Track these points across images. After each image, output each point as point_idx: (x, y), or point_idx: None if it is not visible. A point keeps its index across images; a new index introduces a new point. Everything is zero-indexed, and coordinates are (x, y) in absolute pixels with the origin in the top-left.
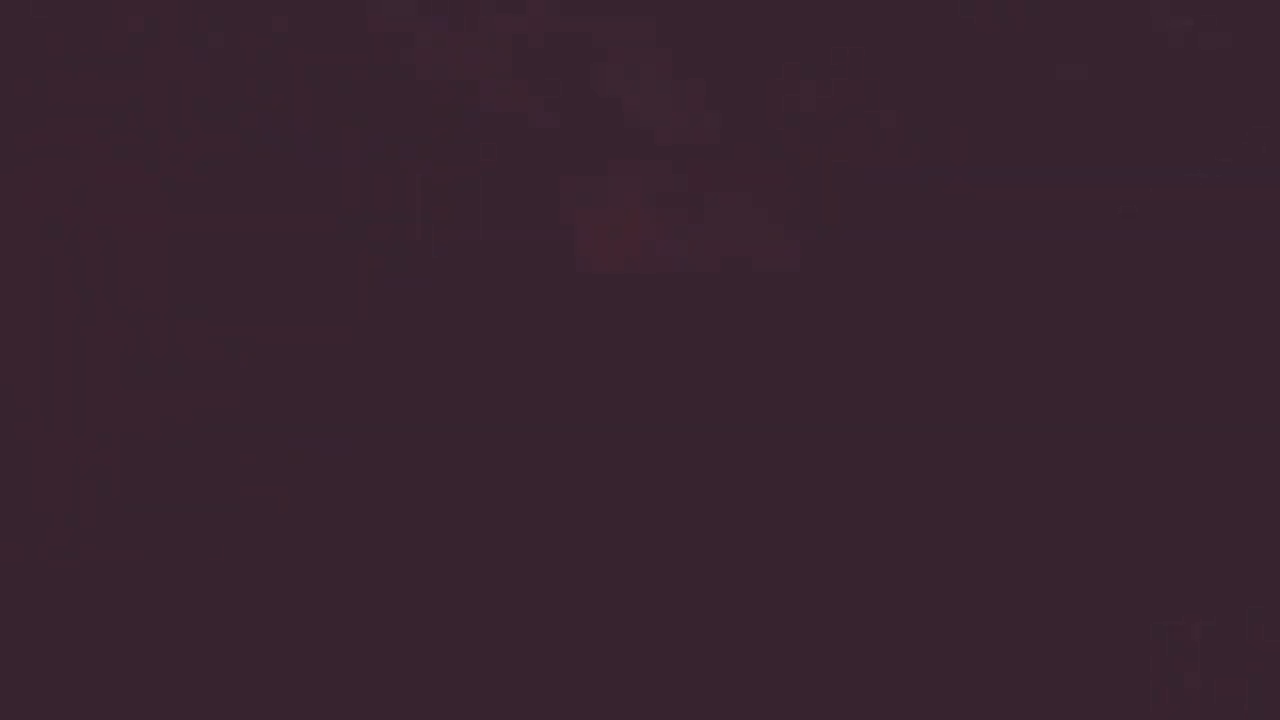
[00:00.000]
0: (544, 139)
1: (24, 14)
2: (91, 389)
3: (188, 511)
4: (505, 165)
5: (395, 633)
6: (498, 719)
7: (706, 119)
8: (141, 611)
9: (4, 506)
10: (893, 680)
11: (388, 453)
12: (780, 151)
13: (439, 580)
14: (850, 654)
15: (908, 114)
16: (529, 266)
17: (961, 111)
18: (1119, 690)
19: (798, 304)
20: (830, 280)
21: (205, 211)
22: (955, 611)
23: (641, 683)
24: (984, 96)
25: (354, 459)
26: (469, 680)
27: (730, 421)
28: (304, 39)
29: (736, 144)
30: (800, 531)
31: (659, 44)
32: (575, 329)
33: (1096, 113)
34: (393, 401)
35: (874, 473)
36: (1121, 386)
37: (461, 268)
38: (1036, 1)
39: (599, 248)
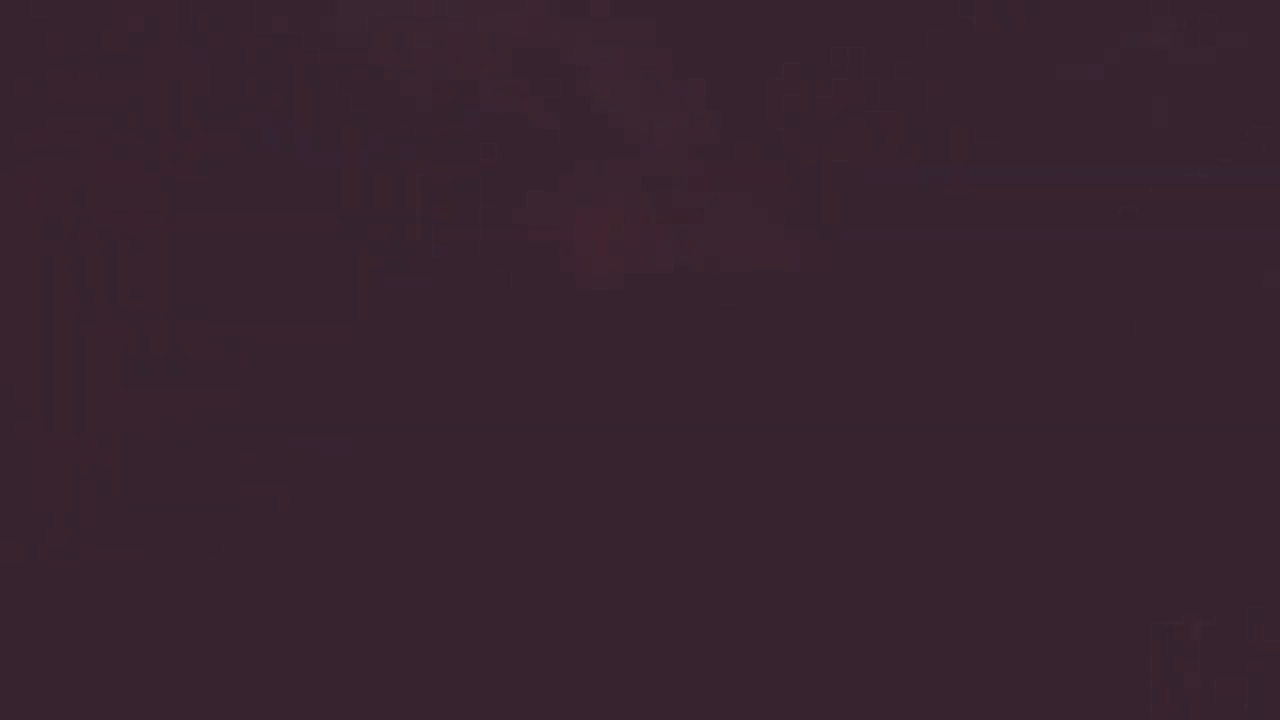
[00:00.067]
0: (543, 139)
1: (24, 14)
2: (91, 389)
3: (188, 511)
4: (504, 165)
5: (395, 632)
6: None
7: (706, 119)
8: (141, 611)
9: (4, 506)
10: (893, 680)
11: (388, 453)
12: (780, 151)
13: (439, 581)
14: (850, 655)
15: (908, 114)
16: (527, 268)
17: (961, 111)
18: (1119, 690)
19: (798, 304)
20: (830, 280)
21: (205, 211)
22: (955, 611)
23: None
24: (984, 96)
25: (354, 459)
26: (465, 681)
27: (731, 422)
28: (304, 39)
29: (736, 144)
30: (803, 533)
31: (659, 44)
32: (575, 330)
33: (1096, 113)
34: (392, 402)
35: (875, 473)
36: (1121, 387)
37: (461, 268)
38: (1037, 1)
39: (598, 249)
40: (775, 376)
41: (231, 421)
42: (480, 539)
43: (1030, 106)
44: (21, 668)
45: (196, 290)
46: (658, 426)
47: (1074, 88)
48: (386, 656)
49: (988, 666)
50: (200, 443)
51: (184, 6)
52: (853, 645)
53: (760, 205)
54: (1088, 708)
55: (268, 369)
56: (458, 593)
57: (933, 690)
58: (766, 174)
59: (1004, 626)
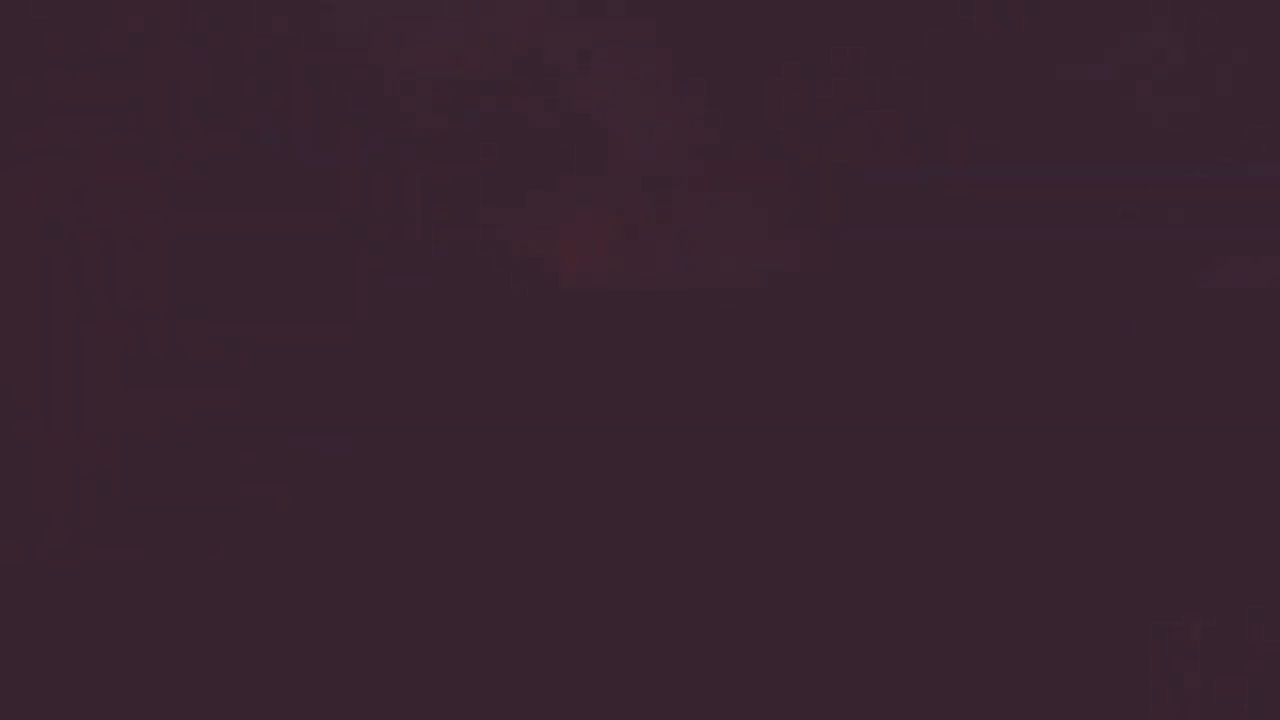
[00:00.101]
0: (543, 139)
1: (24, 14)
2: (91, 389)
3: (188, 511)
4: (505, 165)
5: (394, 632)
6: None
7: (706, 119)
8: (141, 611)
9: (4, 506)
10: (893, 680)
11: (387, 453)
12: (780, 151)
13: (439, 581)
14: (850, 655)
15: (908, 114)
16: (526, 270)
17: (961, 111)
18: (1119, 690)
19: (797, 304)
20: (830, 281)
21: (205, 211)
22: (955, 612)
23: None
24: (984, 96)
25: (354, 459)
26: (458, 681)
27: (733, 422)
28: (304, 39)
29: (736, 144)
30: (804, 530)
31: (659, 44)
32: (575, 332)
33: (1096, 113)
34: (390, 402)
35: (877, 472)
36: (1121, 387)
37: (456, 270)
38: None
39: (597, 250)
40: (775, 376)
41: (231, 421)
42: (482, 539)
43: (1030, 106)
44: (21, 667)
45: (196, 290)
46: (659, 427)
47: (1074, 88)
48: (385, 655)
49: (988, 666)
50: (200, 443)
51: (184, 6)
52: (852, 646)
53: (760, 205)
54: (1088, 708)
55: (267, 369)
56: (458, 593)
57: (933, 690)
58: (766, 174)
59: (1004, 626)
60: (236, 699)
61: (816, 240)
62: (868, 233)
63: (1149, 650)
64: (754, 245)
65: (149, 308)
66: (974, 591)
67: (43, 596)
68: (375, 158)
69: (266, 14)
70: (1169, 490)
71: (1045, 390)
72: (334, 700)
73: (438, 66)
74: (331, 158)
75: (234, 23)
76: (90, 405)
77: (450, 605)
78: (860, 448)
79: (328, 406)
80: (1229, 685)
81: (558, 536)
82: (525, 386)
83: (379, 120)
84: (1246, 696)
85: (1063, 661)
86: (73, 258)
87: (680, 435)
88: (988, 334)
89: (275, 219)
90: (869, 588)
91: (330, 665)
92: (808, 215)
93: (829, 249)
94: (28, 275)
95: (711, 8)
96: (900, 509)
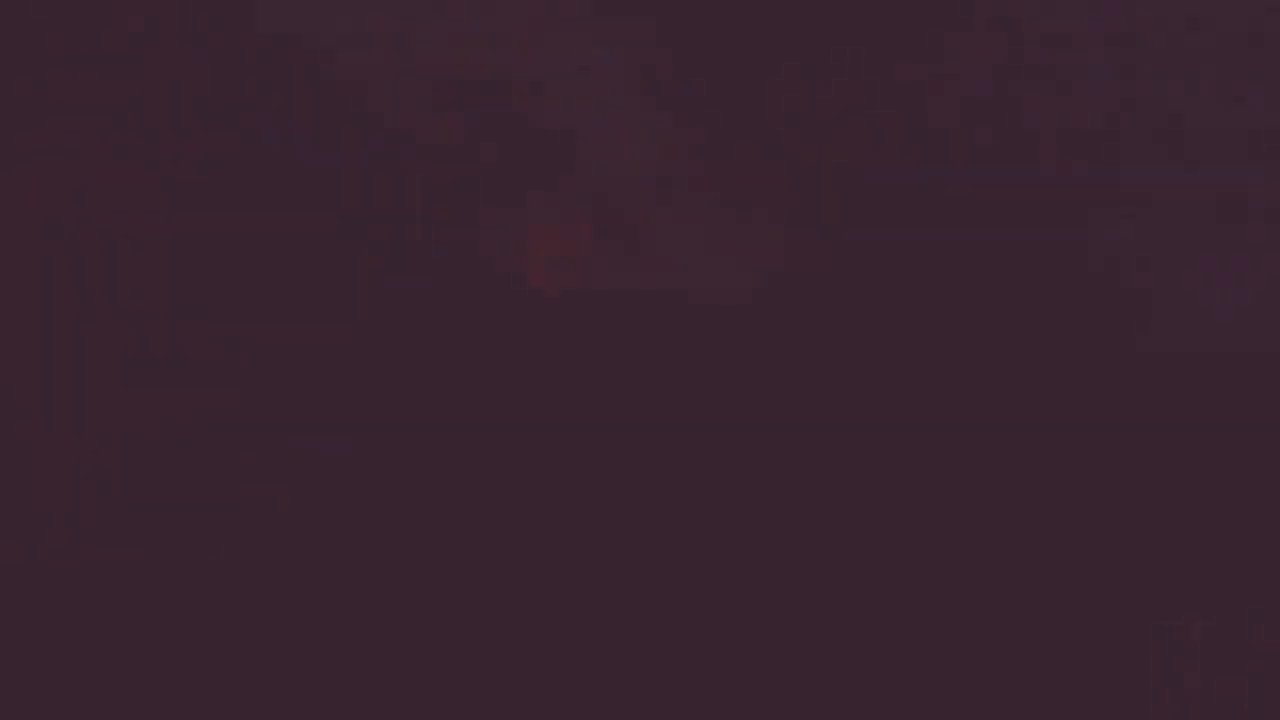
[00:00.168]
0: (543, 138)
1: (24, 14)
2: (91, 389)
3: (188, 511)
4: (504, 164)
5: (394, 631)
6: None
7: (706, 118)
8: (141, 611)
9: (4, 506)
10: (893, 680)
11: (387, 453)
12: (780, 151)
13: (439, 580)
14: (849, 656)
15: (908, 114)
16: (524, 271)
17: (961, 112)
18: (1119, 690)
19: (797, 304)
20: (829, 281)
21: (205, 211)
22: (955, 612)
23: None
24: (983, 96)
25: (353, 459)
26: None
27: (734, 422)
28: (304, 39)
29: (736, 144)
30: (804, 530)
31: (659, 44)
32: (575, 331)
33: (1095, 113)
34: (392, 401)
35: (876, 473)
36: (1121, 387)
37: (460, 269)
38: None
39: (596, 251)
40: (775, 376)
41: (231, 421)
42: (484, 539)
43: (1030, 106)
44: (22, 667)
45: (196, 290)
46: (663, 428)
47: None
48: (386, 653)
49: (988, 666)
50: (200, 443)
51: (184, 6)
52: (852, 647)
53: (759, 206)
54: (1088, 708)
55: (267, 369)
56: (459, 593)
57: (933, 690)
58: (766, 174)
59: (1004, 627)
60: (236, 698)
61: (816, 240)
62: (868, 233)
63: (1149, 650)
64: (753, 246)
65: (149, 308)
66: (974, 592)
67: (43, 596)
68: (375, 158)
69: (266, 14)
70: (1169, 490)
71: (1045, 391)
72: (334, 700)
73: (438, 67)
74: (332, 158)
75: (234, 23)
76: (90, 405)
77: (450, 605)
78: (860, 448)
79: (327, 406)
80: (1229, 685)
81: (557, 536)
82: (525, 391)
83: (379, 120)
84: (1246, 696)
85: (1063, 661)
86: (73, 258)
87: (681, 437)
88: (988, 333)
89: (275, 219)
90: (869, 588)
91: (330, 664)
92: (808, 215)
93: (829, 249)
94: (28, 275)
95: (712, 8)
96: (900, 510)
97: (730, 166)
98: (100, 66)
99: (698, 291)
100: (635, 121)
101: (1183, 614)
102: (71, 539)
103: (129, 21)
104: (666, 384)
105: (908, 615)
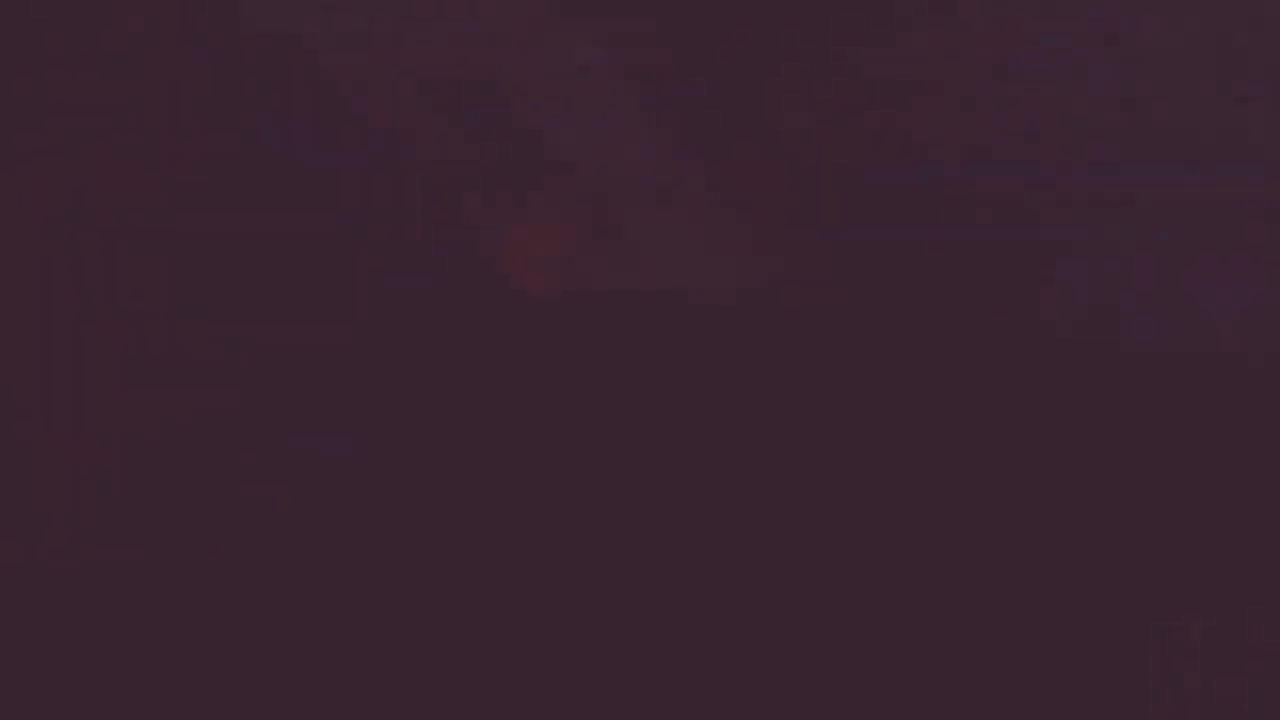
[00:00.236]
0: (539, 138)
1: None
2: (91, 389)
3: (188, 511)
4: (501, 165)
5: (393, 631)
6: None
7: (701, 120)
8: (141, 611)
9: (4, 506)
10: (893, 680)
11: (383, 451)
12: (776, 152)
13: (439, 580)
14: (849, 657)
15: (906, 114)
16: (520, 271)
17: (961, 112)
18: (1119, 690)
19: (793, 304)
20: (825, 281)
21: (205, 211)
22: (956, 612)
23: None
24: (982, 97)
25: (353, 459)
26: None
27: (734, 421)
28: (304, 39)
29: (732, 145)
30: (804, 531)
31: (659, 44)
32: (576, 331)
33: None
34: (390, 401)
35: (876, 473)
36: (1121, 387)
37: (456, 268)
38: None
39: (591, 251)
40: (776, 375)
41: (231, 421)
42: (483, 535)
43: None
44: (22, 667)
45: (196, 290)
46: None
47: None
48: (383, 651)
49: (988, 666)
50: (200, 443)
51: (184, 6)
52: (852, 647)
53: (758, 206)
54: (1088, 708)
55: (267, 369)
56: (459, 592)
57: (933, 690)
58: (761, 175)
59: (1004, 627)
60: (236, 698)
61: (817, 240)
62: (867, 233)
63: (1149, 650)
64: (752, 245)
65: (149, 308)
66: (975, 592)
67: (43, 596)
68: (375, 158)
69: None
70: (1169, 491)
71: (1045, 390)
72: (333, 699)
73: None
74: (327, 158)
75: (234, 23)
76: (90, 405)
77: (446, 600)
78: (860, 448)
79: (327, 406)
80: (1229, 685)
81: (555, 533)
82: (526, 392)
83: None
84: (1246, 696)
85: (1063, 661)
86: (73, 258)
87: (681, 438)
88: (988, 333)
89: (275, 219)
90: (869, 589)
91: (329, 664)
92: (808, 215)
93: (829, 249)
94: (28, 275)
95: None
96: (900, 510)
97: (726, 167)
98: (100, 66)
99: (693, 291)
100: (631, 123)
101: (1183, 614)
102: (71, 539)
103: (129, 21)
104: (663, 383)
105: (907, 615)
